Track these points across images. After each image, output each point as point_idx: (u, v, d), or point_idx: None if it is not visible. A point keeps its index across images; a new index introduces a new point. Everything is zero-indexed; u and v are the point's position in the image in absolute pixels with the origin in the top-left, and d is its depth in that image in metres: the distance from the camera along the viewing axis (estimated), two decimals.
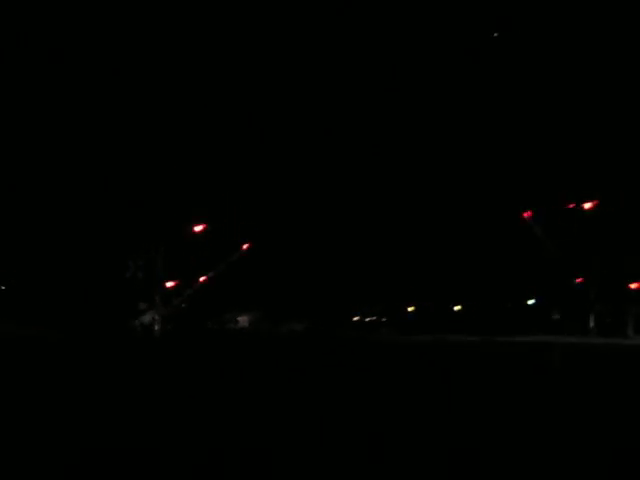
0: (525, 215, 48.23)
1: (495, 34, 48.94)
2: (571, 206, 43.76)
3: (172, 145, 46.96)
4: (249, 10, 48.41)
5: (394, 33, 49.58)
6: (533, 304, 57.95)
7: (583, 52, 44.19)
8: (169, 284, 45.65)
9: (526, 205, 49.45)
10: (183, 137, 47.17)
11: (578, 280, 45.58)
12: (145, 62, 46.05)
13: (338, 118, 53.28)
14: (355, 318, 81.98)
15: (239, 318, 59.93)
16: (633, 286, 45.37)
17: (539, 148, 47.27)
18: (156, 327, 43.65)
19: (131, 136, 45.71)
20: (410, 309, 74.21)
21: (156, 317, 43.75)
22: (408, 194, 59.33)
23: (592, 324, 46.08)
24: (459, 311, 67.58)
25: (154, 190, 46.80)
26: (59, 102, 44.01)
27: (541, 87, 45.87)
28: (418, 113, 52.35)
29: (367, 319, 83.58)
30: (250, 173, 52.21)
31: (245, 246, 51.33)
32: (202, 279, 48.32)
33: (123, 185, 46.37)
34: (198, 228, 46.02)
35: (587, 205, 42.66)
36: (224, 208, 48.58)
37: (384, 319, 78.92)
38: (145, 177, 45.77)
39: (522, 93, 46.91)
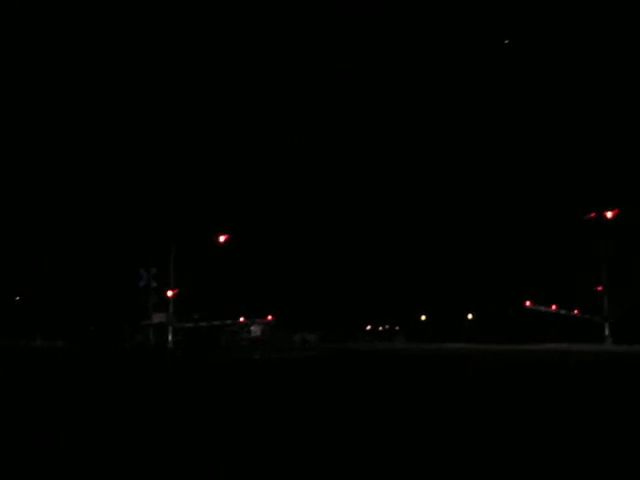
0: (528, 304, 49.58)
1: (506, 41, 49.08)
2: (592, 215, 43.44)
3: (185, 157, 47.12)
4: (250, 11, 48.59)
5: (408, 38, 49.74)
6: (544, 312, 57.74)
7: (603, 61, 44.07)
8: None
9: (539, 212, 49.46)
10: (198, 151, 47.35)
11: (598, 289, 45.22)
12: (163, 71, 46.24)
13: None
14: (368, 327, 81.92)
15: (252, 328, 60.01)
16: None
17: (553, 156, 47.24)
18: (170, 337, 43.53)
19: (144, 148, 45.88)
20: (422, 318, 74.15)
21: (170, 328, 43.65)
22: (423, 207, 59.59)
23: (607, 332, 45.72)
24: (471, 319, 67.41)
25: (165, 199, 46.89)
26: (79, 114, 44.22)
27: (558, 95, 45.84)
28: (435, 121, 52.48)
29: (380, 328, 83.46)
30: (265, 185, 52.47)
31: (270, 318, 53.29)
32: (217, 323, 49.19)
33: (134, 194, 46.47)
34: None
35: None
36: (238, 218, 48.62)
37: (397, 327, 78.86)
38: (157, 186, 45.86)
39: (540, 100, 46.91)
